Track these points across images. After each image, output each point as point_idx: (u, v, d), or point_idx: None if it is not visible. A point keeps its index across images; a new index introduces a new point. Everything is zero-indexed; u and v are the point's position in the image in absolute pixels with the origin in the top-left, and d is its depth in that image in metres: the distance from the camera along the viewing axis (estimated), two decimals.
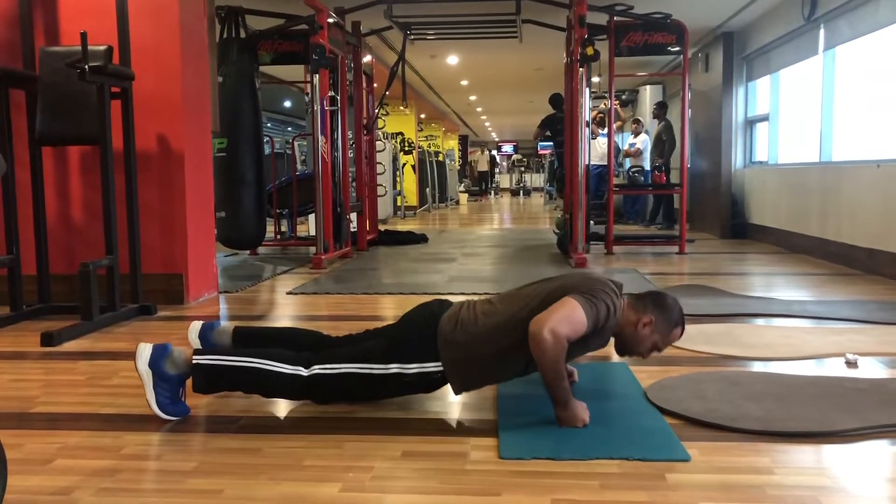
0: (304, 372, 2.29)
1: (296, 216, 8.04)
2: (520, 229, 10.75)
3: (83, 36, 3.56)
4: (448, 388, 2.33)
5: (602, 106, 10.41)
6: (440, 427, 2.24)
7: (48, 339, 3.36)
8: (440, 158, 18.44)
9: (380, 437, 2.13)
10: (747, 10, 7.69)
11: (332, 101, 6.41)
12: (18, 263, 3.99)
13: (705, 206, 9.46)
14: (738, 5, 7.58)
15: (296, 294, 4.83)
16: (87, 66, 3.57)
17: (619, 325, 2.34)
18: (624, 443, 2.04)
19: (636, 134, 11.19)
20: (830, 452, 1.98)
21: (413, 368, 2.28)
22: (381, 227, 9.16)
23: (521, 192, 27.60)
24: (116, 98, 3.98)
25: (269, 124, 18.27)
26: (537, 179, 30.39)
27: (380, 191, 8.96)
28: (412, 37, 7.84)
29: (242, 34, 6.58)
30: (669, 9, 6.96)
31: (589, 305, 2.17)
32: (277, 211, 7.99)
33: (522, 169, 30.38)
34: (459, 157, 29.58)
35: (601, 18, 6.88)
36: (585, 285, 2.26)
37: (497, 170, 32.85)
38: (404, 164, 14.47)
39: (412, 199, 15.21)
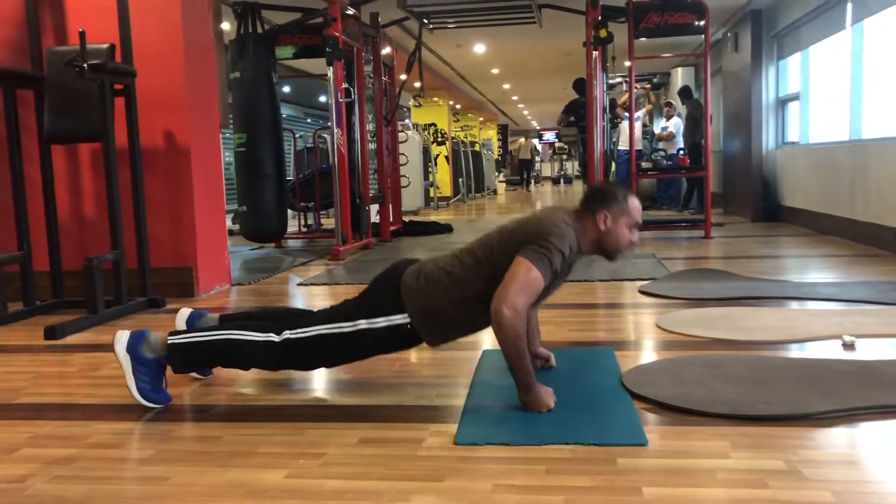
0: (275, 338, 2.30)
1: (319, 209, 8.09)
2: None
3: (82, 35, 3.62)
4: (423, 371, 2.32)
5: (636, 89, 10.24)
6: (405, 414, 2.23)
7: (51, 332, 3.44)
8: (476, 149, 18.38)
9: (341, 425, 2.13)
10: None
11: (347, 92, 6.42)
12: (30, 259, 4.09)
13: (737, 188, 9.26)
14: None
15: (307, 285, 4.86)
16: (85, 65, 3.63)
17: (590, 243, 2.32)
18: (583, 428, 2.00)
19: (668, 117, 10.99)
20: (796, 436, 1.91)
21: (381, 322, 2.28)
22: (408, 219, 9.17)
23: (562, 180, 27.39)
24: (120, 95, 4.05)
25: (308, 119, 18.42)
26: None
27: (403, 182, 8.96)
28: (431, 26, 7.81)
29: (260, 29, 6.64)
30: None
31: (541, 260, 2.14)
32: (302, 204, 8.06)
33: (565, 157, 30.12)
34: (499, 147, 29.45)
35: (620, 0, 6.76)
36: (538, 231, 2.21)
37: (538, 158, 32.62)
38: (437, 155, 14.45)
39: (446, 190, 15.19)
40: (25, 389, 2.63)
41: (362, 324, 2.28)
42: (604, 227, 2.30)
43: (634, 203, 2.34)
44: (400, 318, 2.28)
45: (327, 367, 2.40)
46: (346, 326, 2.29)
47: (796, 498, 1.58)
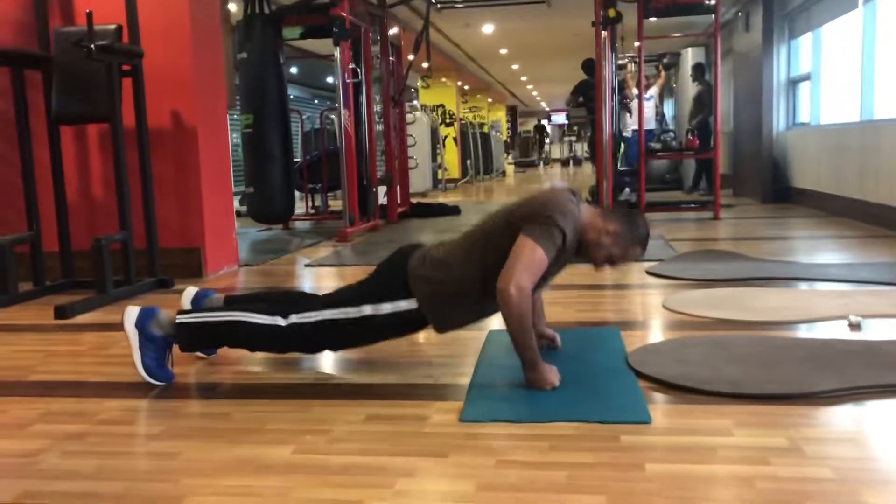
0: (281, 322, 2.32)
1: (326, 190, 8.10)
2: None
3: (89, 15, 3.62)
4: (430, 350, 2.34)
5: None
6: (412, 392, 2.24)
7: (62, 312, 3.47)
8: (485, 130, 18.32)
9: (348, 402, 2.15)
10: None
11: (355, 73, 6.41)
12: (39, 240, 4.12)
13: (747, 170, 9.21)
14: None
15: (314, 266, 4.88)
16: (93, 46, 3.64)
17: (583, 229, 2.29)
18: (587, 405, 2.01)
19: (647, 88, 10.87)
20: (799, 414, 1.92)
21: (386, 308, 2.29)
22: (416, 200, 9.17)
23: (571, 161, 27.35)
24: (128, 76, 4.06)
25: (315, 101, 18.37)
26: None
27: (411, 163, 8.96)
28: (439, 6, 7.77)
29: (266, 10, 6.62)
30: None
31: (545, 238, 2.15)
32: (310, 186, 8.07)
33: (574, 139, 30.02)
34: (508, 128, 29.36)
35: None
36: (540, 210, 2.21)
37: (547, 140, 32.54)
38: (445, 137, 14.42)
39: (454, 172, 15.16)
40: (37, 367, 2.66)
41: (367, 309, 2.30)
42: (604, 235, 2.28)
43: (637, 252, 2.34)
44: (406, 304, 2.29)
45: (333, 350, 2.43)
46: (351, 312, 2.30)
47: (796, 474, 1.59)
